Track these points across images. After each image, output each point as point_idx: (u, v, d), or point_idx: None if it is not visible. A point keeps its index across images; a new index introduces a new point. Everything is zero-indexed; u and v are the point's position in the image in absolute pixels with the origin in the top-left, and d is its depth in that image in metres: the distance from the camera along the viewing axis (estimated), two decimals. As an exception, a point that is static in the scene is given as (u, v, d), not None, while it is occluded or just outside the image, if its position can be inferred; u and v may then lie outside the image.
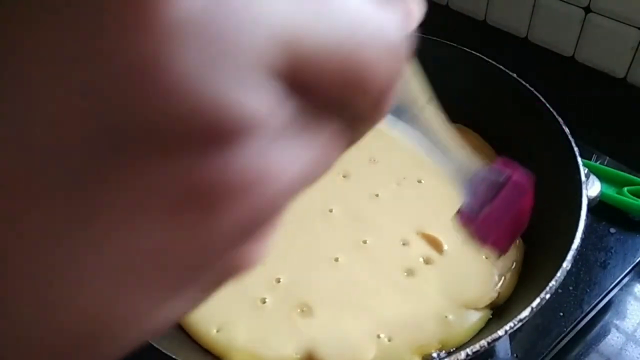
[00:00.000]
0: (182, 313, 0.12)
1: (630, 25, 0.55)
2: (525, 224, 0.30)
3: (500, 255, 0.36)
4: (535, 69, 0.51)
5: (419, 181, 0.49)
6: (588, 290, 0.44)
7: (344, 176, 0.49)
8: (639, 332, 0.44)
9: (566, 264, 0.35)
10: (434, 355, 0.38)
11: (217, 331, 0.39)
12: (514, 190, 0.28)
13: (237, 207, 0.11)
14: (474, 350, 0.32)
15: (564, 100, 0.46)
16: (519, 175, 0.29)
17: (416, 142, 0.24)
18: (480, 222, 0.28)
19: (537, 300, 0.33)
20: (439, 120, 0.24)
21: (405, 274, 0.42)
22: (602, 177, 0.44)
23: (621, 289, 0.46)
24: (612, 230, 0.49)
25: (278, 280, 0.42)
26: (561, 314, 0.43)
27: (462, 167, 0.28)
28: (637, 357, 0.42)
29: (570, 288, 0.44)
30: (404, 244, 0.44)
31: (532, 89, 0.47)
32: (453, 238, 0.44)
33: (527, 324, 0.33)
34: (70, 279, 0.10)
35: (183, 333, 0.40)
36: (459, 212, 0.29)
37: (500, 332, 0.32)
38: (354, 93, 0.12)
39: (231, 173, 0.10)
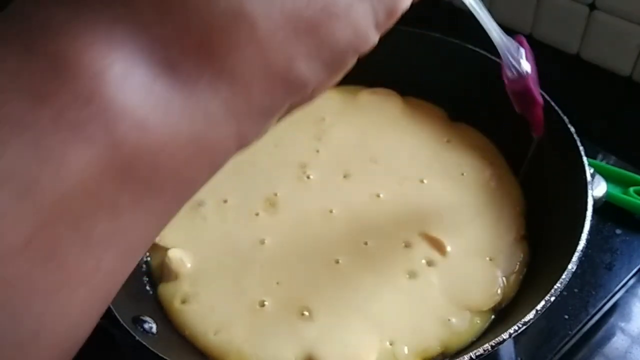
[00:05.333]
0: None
1: (635, 23, 0.55)
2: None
3: (539, 130, 0.40)
4: (539, 66, 0.50)
5: (421, 181, 0.48)
6: (593, 293, 0.44)
7: (344, 176, 0.49)
8: (645, 335, 0.44)
9: (571, 266, 0.35)
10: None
11: (215, 334, 0.39)
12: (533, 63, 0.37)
13: None
14: (478, 353, 0.32)
15: (569, 98, 0.46)
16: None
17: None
18: (528, 82, 0.36)
19: (542, 302, 0.33)
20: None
21: (408, 276, 0.41)
22: (608, 177, 0.43)
23: (627, 291, 0.46)
24: (618, 231, 0.48)
25: (277, 283, 0.41)
26: (566, 316, 0.42)
27: (504, 37, 0.36)
28: (644, 361, 0.42)
29: (575, 290, 0.44)
30: (406, 246, 0.43)
31: (537, 88, 0.47)
32: (456, 239, 0.43)
33: (531, 326, 0.33)
34: None
35: (179, 336, 0.39)
36: (506, 78, 0.37)
37: (505, 335, 0.32)
38: None
39: None
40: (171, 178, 0.17)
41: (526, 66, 0.37)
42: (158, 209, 0.18)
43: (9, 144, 0.14)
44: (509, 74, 0.37)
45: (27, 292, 0.15)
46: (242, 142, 0.19)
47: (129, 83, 0.16)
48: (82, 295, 0.16)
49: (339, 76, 0.21)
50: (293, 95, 0.19)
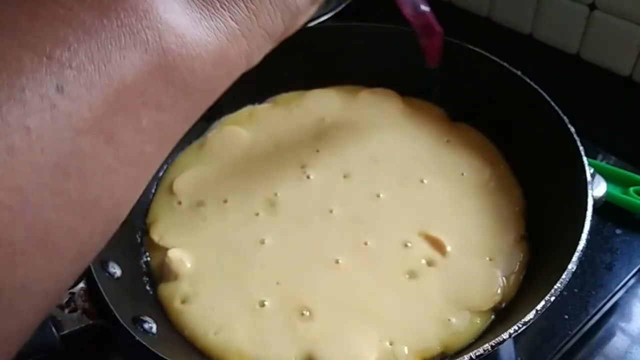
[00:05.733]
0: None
1: (635, 23, 0.55)
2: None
3: (436, 60, 0.46)
4: (539, 66, 0.50)
5: (421, 181, 0.48)
6: (593, 293, 0.44)
7: (344, 176, 0.49)
8: (645, 335, 0.44)
9: (571, 266, 0.35)
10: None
11: (215, 334, 0.39)
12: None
13: None
14: (478, 353, 0.32)
15: (569, 98, 0.46)
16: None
17: None
18: (429, 16, 0.43)
19: (542, 302, 0.33)
20: None
21: (407, 276, 0.41)
22: (608, 177, 0.43)
23: (627, 291, 0.46)
24: (618, 231, 0.48)
25: (277, 283, 0.41)
26: (566, 316, 0.42)
27: None
28: (644, 361, 0.42)
29: (575, 290, 0.44)
30: (405, 246, 0.43)
31: (537, 87, 0.47)
32: (456, 239, 0.43)
33: (531, 326, 0.33)
34: None
35: (179, 336, 0.39)
36: (409, 15, 0.43)
37: (505, 335, 0.32)
38: None
39: None
40: (200, 84, 0.22)
41: (424, 3, 0.43)
42: (188, 110, 0.23)
43: (80, 46, 0.19)
44: (411, 11, 0.43)
45: (93, 165, 0.19)
46: (250, 60, 0.25)
47: (171, 5, 0.21)
48: (131, 173, 0.21)
49: (318, 5, 0.28)
50: (288, 20, 0.26)
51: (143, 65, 0.20)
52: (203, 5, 0.22)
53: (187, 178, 0.50)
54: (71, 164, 0.18)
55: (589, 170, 0.40)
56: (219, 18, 0.22)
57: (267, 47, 0.26)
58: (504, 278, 0.41)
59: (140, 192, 0.22)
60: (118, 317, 0.34)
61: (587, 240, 0.36)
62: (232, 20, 0.23)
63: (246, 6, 0.23)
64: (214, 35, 0.22)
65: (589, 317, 0.43)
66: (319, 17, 0.65)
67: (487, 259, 0.42)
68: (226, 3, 0.23)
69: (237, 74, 0.24)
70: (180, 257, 0.43)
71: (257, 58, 0.25)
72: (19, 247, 0.17)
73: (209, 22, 0.22)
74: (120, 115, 0.20)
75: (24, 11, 0.19)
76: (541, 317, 0.33)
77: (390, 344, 0.38)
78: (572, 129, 0.43)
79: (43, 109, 0.18)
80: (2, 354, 0.19)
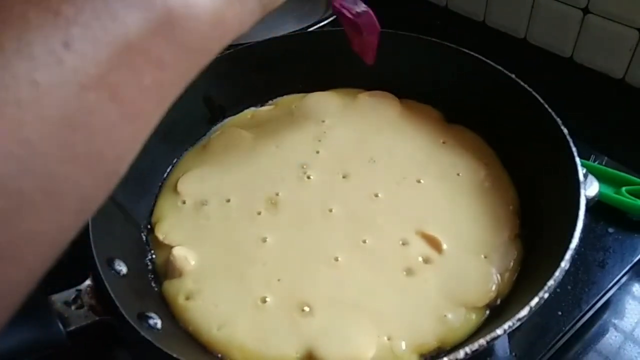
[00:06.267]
0: None
1: (628, 26, 0.55)
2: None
3: (372, 58, 0.48)
4: (533, 69, 0.51)
5: (419, 181, 0.49)
6: (586, 290, 0.45)
7: (343, 176, 0.50)
8: (637, 331, 0.44)
9: (565, 264, 0.35)
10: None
11: (218, 329, 0.39)
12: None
13: None
14: (473, 349, 0.32)
15: (563, 100, 0.46)
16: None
17: None
18: (372, 15, 0.45)
19: (536, 299, 0.34)
20: None
21: (405, 273, 0.42)
22: (600, 177, 0.44)
23: (619, 289, 0.46)
24: (611, 230, 0.49)
25: (278, 280, 0.42)
26: (560, 313, 0.43)
27: None
28: (636, 356, 0.43)
29: (569, 287, 0.45)
30: (403, 244, 0.44)
31: (531, 90, 0.48)
32: (452, 238, 0.44)
33: (525, 323, 0.33)
34: None
35: (183, 332, 0.40)
36: (351, 15, 0.45)
37: (499, 331, 0.33)
38: None
39: None
40: (197, 44, 0.23)
41: (362, 3, 0.46)
42: (185, 70, 0.23)
43: (86, 3, 0.19)
44: (353, 12, 0.45)
45: (98, 120, 0.20)
46: (242, 23, 0.26)
47: None
48: (132, 130, 0.21)
49: None
50: None
51: (146, 24, 0.21)
52: None
53: (191, 178, 0.50)
54: (77, 118, 0.19)
55: (581, 171, 0.41)
56: None
57: (258, 12, 0.27)
58: (498, 275, 0.42)
59: (139, 148, 0.22)
60: (124, 313, 0.35)
61: (580, 239, 0.37)
62: None
63: None
64: None
65: (582, 313, 0.43)
66: (319, 22, 0.66)
67: (482, 256, 0.43)
68: None
69: (231, 36, 0.25)
70: (184, 254, 0.43)
71: (249, 22, 0.26)
72: (27, 197, 0.18)
73: None
74: (124, 72, 0.20)
75: None
76: (535, 313, 0.33)
77: (388, 339, 0.38)
78: (565, 130, 0.44)
79: (50, 63, 0.18)
80: (10, 303, 0.19)
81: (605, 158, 0.54)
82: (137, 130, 0.22)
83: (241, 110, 0.58)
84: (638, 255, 0.47)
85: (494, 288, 0.41)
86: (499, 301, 0.41)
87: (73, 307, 0.36)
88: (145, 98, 0.21)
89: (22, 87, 0.18)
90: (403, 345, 0.38)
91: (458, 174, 0.49)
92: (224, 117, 0.57)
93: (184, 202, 0.48)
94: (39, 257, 0.19)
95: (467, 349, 0.32)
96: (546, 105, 0.46)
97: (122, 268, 0.40)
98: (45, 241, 0.19)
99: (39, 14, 0.18)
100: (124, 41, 0.20)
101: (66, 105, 0.19)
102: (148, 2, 0.21)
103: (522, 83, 0.48)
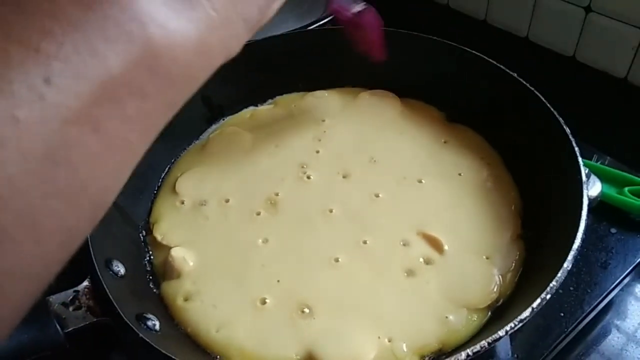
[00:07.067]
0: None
1: (631, 25, 0.55)
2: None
3: (381, 52, 0.48)
4: (535, 68, 0.51)
5: (419, 181, 0.49)
6: (589, 291, 0.44)
7: (344, 176, 0.49)
8: (640, 333, 0.44)
9: (567, 264, 0.35)
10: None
11: (217, 331, 0.39)
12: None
13: None
14: (475, 350, 0.32)
15: (565, 100, 0.46)
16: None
17: None
18: (373, 12, 0.46)
19: (538, 300, 0.33)
20: None
21: (406, 274, 0.42)
22: (602, 177, 0.44)
23: (622, 289, 0.46)
24: (613, 230, 0.49)
25: (278, 281, 0.42)
26: (562, 314, 0.43)
27: None
28: (638, 358, 0.42)
29: (571, 288, 0.44)
30: (404, 244, 0.44)
31: (533, 89, 0.47)
32: (454, 238, 0.44)
33: (527, 324, 0.33)
34: None
35: (182, 333, 0.40)
36: (351, 14, 0.46)
37: (501, 333, 0.32)
38: None
39: None
40: (182, 73, 0.23)
41: (360, 3, 0.47)
42: (171, 99, 0.23)
43: (66, 38, 0.19)
44: (352, 12, 0.46)
45: (81, 153, 0.20)
46: (229, 49, 0.25)
47: None
48: (117, 161, 0.21)
49: None
50: (264, 7, 0.26)
51: (128, 56, 0.20)
52: None
53: (189, 178, 0.50)
54: (59, 153, 0.19)
55: (584, 171, 0.41)
56: (199, 8, 0.23)
57: (244, 36, 0.26)
58: (500, 276, 0.42)
59: (126, 178, 0.22)
60: (122, 314, 0.35)
61: (583, 239, 0.36)
62: (212, 9, 0.23)
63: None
64: (194, 25, 0.23)
65: (584, 314, 0.43)
66: (319, 20, 0.66)
67: (484, 257, 0.43)
68: None
69: (217, 62, 0.25)
70: (183, 255, 0.43)
71: (236, 47, 0.26)
72: (8, 233, 0.18)
73: (189, 12, 0.23)
74: (107, 105, 0.20)
75: (9, 5, 0.19)
76: (537, 314, 0.33)
77: (389, 341, 0.38)
78: (568, 130, 0.44)
79: (31, 100, 0.18)
80: None
81: (608, 158, 0.54)
82: (122, 161, 0.22)
83: (240, 110, 0.57)
84: (641, 255, 0.47)
85: (495, 289, 0.41)
86: (500, 302, 0.41)
87: (71, 308, 0.36)
88: (129, 129, 0.21)
89: (4, 124, 0.18)
90: (404, 347, 0.38)
91: (459, 174, 0.49)
92: (223, 116, 0.57)
93: (182, 203, 0.48)
94: (23, 292, 0.19)
95: (469, 351, 0.32)
96: (548, 105, 0.46)
97: (120, 269, 0.40)
98: (28, 276, 0.19)
99: (19, 50, 0.18)
100: (106, 74, 0.20)
101: (48, 141, 0.19)
102: (128, 34, 0.21)
103: (524, 82, 0.48)
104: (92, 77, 0.20)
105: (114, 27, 0.20)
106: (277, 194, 0.48)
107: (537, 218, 0.45)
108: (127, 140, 0.21)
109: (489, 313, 0.40)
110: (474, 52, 0.52)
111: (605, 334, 0.44)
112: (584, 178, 0.40)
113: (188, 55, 0.23)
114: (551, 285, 0.34)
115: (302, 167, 0.50)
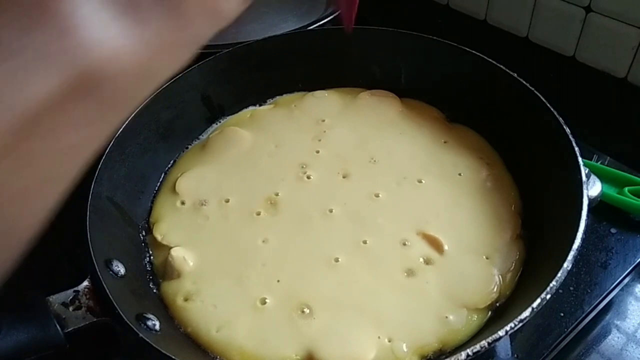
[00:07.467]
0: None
1: (631, 25, 0.55)
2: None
3: (351, 25, 0.45)
4: (535, 68, 0.51)
5: (419, 181, 0.49)
6: (589, 291, 0.44)
7: (344, 176, 0.49)
8: (640, 333, 0.44)
9: (567, 264, 0.35)
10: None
11: (217, 331, 0.39)
12: None
13: None
14: (475, 350, 0.32)
15: (565, 100, 0.46)
16: None
17: None
18: None
19: (538, 300, 0.33)
20: None
21: (406, 274, 0.42)
22: (602, 177, 0.44)
23: (622, 290, 0.46)
24: (613, 230, 0.49)
25: (278, 281, 0.41)
26: (562, 314, 0.43)
27: None
28: (638, 358, 0.42)
29: (571, 288, 0.44)
30: (404, 244, 0.44)
31: (533, 89, 0.47)
32: (454, 238, 0.44)
33: (527, 324, 0.33)
34: None
35: (182, 333, 0.40)
36: None
37: (501, 333, 0.32)
38: None
39: None
40: (123, 97, 0.22)
41: None
42: (111, 121, 0.22)
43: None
44: None
45: (12, 189, 0.18)
46: (173, 69, 0.24)
47: (95, 22, 0.20)
48: (50, 192, 0.20)
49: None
50: (214, 29, 0.25)
51: (65, 85, 0.19)
52: (127, 20, 0.21)
53: (189, 178, 0.50)
54: None
55: (584, 171, 0.41)
56: (143, 32, 0.22)
57: (187, 56, 0.25)
58: (500, 276, 0.42)
59: (55, 208, 0.21)
60: (122, 314, 0.35)
61: (583, 239, 0.36)
62: (156, 34, 0.22)
63: (171, 20, 0.23)
64: (138, 49, 0.22)
65: (584, 314, 0.43)
66: (319, 20, 0.66)
67: (484, 257, 0.43)
68: (152, 17, 0.22)
69: (159, 82, 0.24)
70: (183, 255, 0.43)
71: (178, 66, 0.25)
72: None
73: (133, 38, 0.21)
74: (42, 137, 0.19)
75: None
76: (537, 314, 0.33)
77: (389, 341, 0.38)
78: (568, 130, 0.44)
79: None
80: None
81: (608, 158, 0.54)
82: (54, 193, 0.21)
83: (240, 110, 0.57)
84: (641, 255, 0.47)
85: (495, 289, 0.41)
86: (500, 302, 0.41)
87: (71, 308, 0.36)
88: (65, 159, 0.20)
89: None
90: (404, 346, 0.38)
91: (459, 174, 0.49)
92: (223, 116, 0.57)
93: (182, 203, 0.48)
94: None
95: (469, 351, 0.32)
96: (548, 105, 0.46)
97: (120, 269, 0.40)
98: None
99: None
100: (42, 103, 0.19)
101: None
102: (67, 62, 0.19)
103: (524, 82, 0.48)
104: (27, 109, 0.18)
105: (52, 55, 0.19)
106: (277, 194, 0.48)
107: (537, 218, 0.45)
108: (61, 171, 0.20)
109: (489, 313, 0.40)
110: (474, 52, 0.52)
111: (605, 334, 0.44)
112: (584, 178, 0.40)
113: (130, 79, 0.22)
114: (551, 285, 0.34)
115: (302, 167, 0.50)
